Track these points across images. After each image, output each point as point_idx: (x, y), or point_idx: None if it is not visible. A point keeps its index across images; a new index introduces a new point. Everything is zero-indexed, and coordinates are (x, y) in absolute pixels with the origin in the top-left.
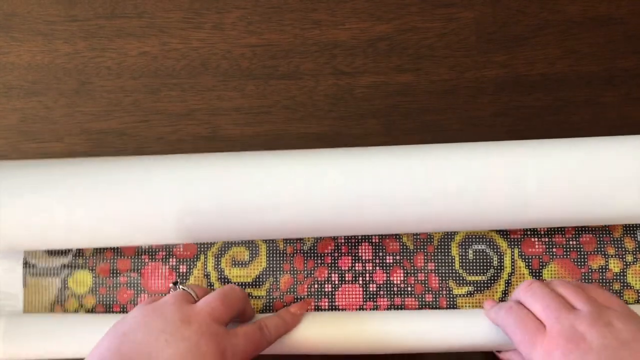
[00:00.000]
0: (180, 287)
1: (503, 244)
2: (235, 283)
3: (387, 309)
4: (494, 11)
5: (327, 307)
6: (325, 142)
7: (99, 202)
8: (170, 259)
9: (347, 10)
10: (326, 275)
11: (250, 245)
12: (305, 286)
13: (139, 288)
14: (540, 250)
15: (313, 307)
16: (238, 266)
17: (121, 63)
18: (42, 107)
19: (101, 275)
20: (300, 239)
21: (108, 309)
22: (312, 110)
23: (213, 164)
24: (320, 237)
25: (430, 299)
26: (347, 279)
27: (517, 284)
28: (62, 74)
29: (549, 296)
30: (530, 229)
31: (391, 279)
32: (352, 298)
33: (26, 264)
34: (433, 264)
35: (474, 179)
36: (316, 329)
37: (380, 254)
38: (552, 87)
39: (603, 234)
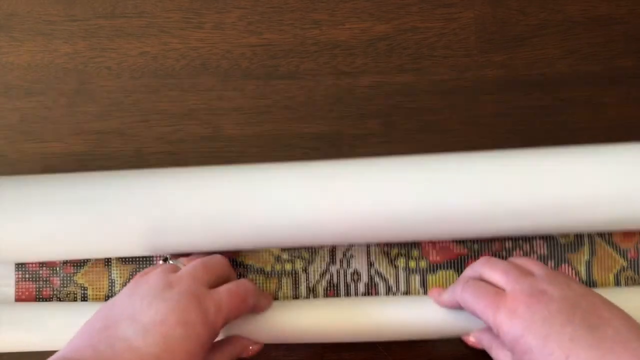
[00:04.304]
0: (171, 261)
1: None
2: None
3: None
4: (494, 11)
5: None
6: (325, 142)
7: (78, 215)
8: None
9: (347, 10)
10: None
11: None
12: None
13: None
14: None
15: None
16: None
17: (121, 63)
18: (42, 107)
19: None
20: None
21: None
22: (312, 110)
23: (183, 178)
24: None
25: None
26: None
27: None
28: (62, 74)
29: (507, 264)
30: None
31: None
32: None
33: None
34: None
35: (474, 189)
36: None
37: None
38: (552, 87)
39: None
